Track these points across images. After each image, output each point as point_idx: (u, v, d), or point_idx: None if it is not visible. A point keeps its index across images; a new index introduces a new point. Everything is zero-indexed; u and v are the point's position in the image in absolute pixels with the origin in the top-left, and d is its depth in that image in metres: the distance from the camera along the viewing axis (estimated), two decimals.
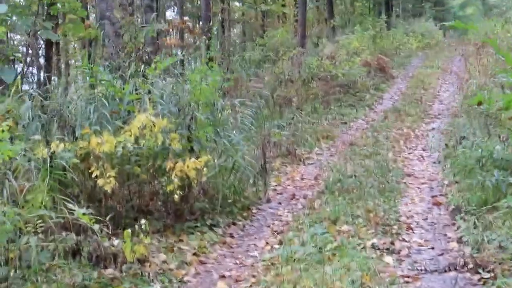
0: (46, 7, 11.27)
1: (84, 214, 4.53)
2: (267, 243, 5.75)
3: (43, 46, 11.48)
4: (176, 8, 27.50)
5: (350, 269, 4.46)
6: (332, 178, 7.82)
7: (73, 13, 10.47)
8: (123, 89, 6.37)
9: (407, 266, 4.73)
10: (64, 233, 4.80)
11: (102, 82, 6.27)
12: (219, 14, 26.09)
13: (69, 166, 5.33)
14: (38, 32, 9.69)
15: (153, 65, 6.59)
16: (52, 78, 12.44)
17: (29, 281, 4.32)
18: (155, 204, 6.22)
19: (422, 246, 5.30)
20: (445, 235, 5.59)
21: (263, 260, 5.14)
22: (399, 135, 11.19)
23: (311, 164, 9.51)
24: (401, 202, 6.83)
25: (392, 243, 5.26)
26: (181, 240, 5.67)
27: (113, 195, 5.55)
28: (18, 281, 4.34)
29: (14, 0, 11.13)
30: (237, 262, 5.27)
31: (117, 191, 5.57)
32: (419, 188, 7.67)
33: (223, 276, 4.88)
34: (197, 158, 5.72)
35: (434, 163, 9.12)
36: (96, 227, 4.54)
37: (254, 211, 6.96)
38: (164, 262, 5.03)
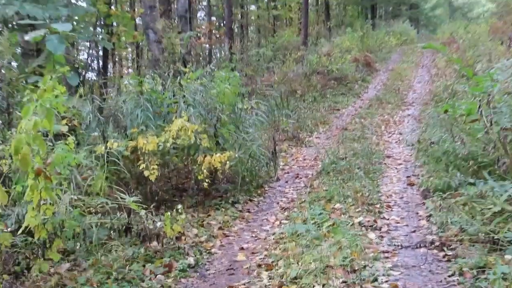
0: (102, 18, 11.16)
1: (133, 202, 4.50)
2: (276, 218, 5.67)
3: (101, 53, 11.37)
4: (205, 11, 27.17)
5: (342, 247, 4.39)
6: (327, 160, 7.72)
7: (123, 25, 10.40)
8: (163, 94, 6.30)
9: (387, 242, 4.61)
10: (118, 214, 4.80)
11: (148, 90, 6.19)
12: (239, 16, 25.84)
13: (121, 157, 5.32)
14: (96, 41, 9.59)
15: (186, 75, 6.48)
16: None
17: (91, 254, 4.34)
18: (189, 183, 6.20)
19: (398, 223, 5.16)
20: (417, 213, 5.44)
21: (273, 234, 5.08)
22: (381, 121, 11.01)
23: (311, 146, 9.40)
24: (382, 183, 6.69)
25: (375, 221, 5.15)
26: (209, 215, 5.65)
27: (156, 181, 5.52)
28: (83, 254, 4.36)
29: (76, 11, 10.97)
30: (253, 235, 5.20)
31: (159, 177, 5.54)
32: (396, 168, 7.52)
33: (242, 248, 4.81)
34: (222, 151, 5.67)
35: (408, 145, 8.95)
36: (142, 212, 4.51)
37: (266, 188, 6.90)
38: (196, 235, 5.01)
